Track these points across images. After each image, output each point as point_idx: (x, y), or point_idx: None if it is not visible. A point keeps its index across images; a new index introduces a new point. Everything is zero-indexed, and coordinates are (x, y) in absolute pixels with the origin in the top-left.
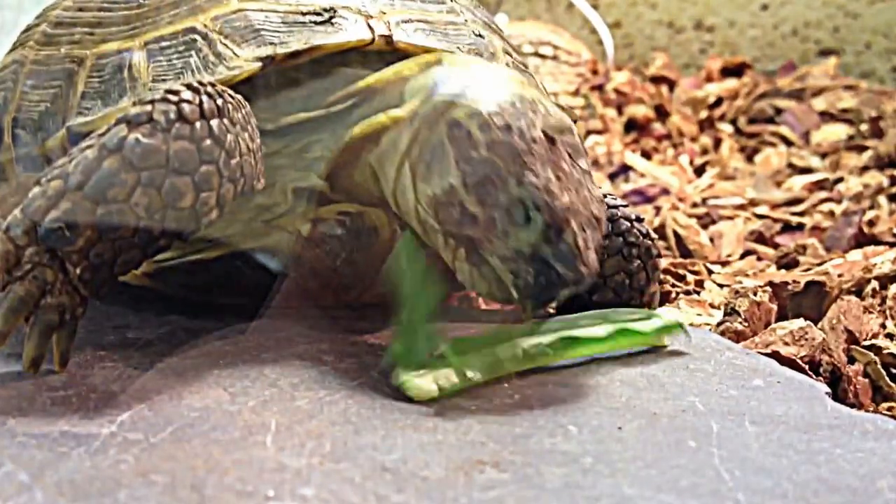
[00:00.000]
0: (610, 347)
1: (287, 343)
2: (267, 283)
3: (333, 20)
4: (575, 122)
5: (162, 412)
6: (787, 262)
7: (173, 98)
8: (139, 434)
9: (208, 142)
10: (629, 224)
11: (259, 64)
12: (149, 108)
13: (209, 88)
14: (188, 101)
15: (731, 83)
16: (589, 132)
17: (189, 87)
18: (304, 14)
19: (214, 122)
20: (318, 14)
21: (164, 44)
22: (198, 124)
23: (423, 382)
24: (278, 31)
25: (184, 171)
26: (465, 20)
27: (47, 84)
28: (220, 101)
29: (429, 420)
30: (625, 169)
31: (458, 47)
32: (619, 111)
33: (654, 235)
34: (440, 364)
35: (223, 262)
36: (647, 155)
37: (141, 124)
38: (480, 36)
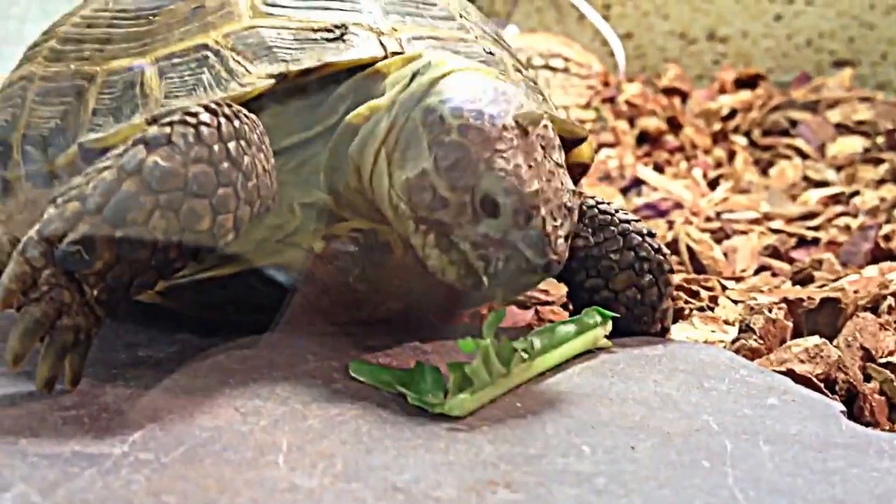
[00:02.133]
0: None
1: (298, 361)
2: (280, 300)
3: (345, 37)
4: (585, 138)
5: (173, 432)
6: (802, 278)
7: (192, 120)
8: (151, 454)
9: (226, 164)
10: (640, 238)
11: (272, 81)
12: (167, 129)
13: (226, 110)
14: (206, 124)
15: (745, 95)
16: (600, 145)
17: (207, 108)
18: (315, 31)
19: (232, 145)
20: (330, 31)
21: (175, 60)
22: (216, 147)
23: (459, 401)
24: (290, 49)
25: (202, 194)
26: (476, 37)
27: (57, 100)
28: (237, 123)
29: (441, 440)
30: (637, 183)
31: (469, 63)
32: (631, 124)
33: (666, 250)
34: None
35: (236, 280)
36: (659, 168)
37: (160, 146)
38: (491, 53)
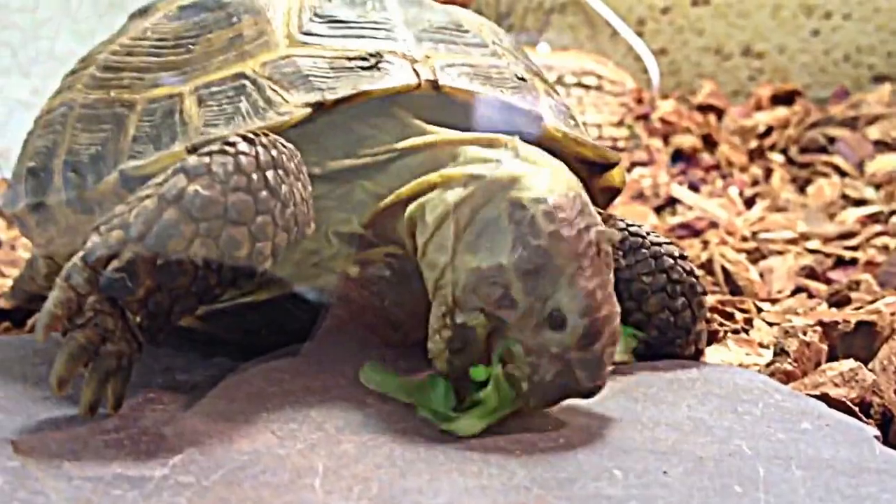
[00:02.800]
0: None
1: (332, 386)
2: (315, 324)
3: (380, 65)
4: (617, 163)
5: (213, 455)
6: (838, 300)
7: (230, 150)
8: (191, 477)
9: (264, 193)
10: (672, 261)
11: (308, 110)
12: (207, 159)
13: (264, 139)
14: (245, 154)
15: (782, 111)
16: (634, 164)
17: (245, 138)
18: (350, 59)
19: (270, 174)
20: (365, 59)
21: (213, 89)
22: (254, 175)
23: (468, 422)
24: (326, 77)
25: (241, 222)
26: (508, 63)
27: (97, 127)
28: (274, 152)
29: (473, 464)
30: (671, 202)
31: (502, 91)
32: (666, 141)
33: (698, 272)
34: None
35: (272, 305)
36: (694, 187)
37: (199, 175)
38: (523, 79)
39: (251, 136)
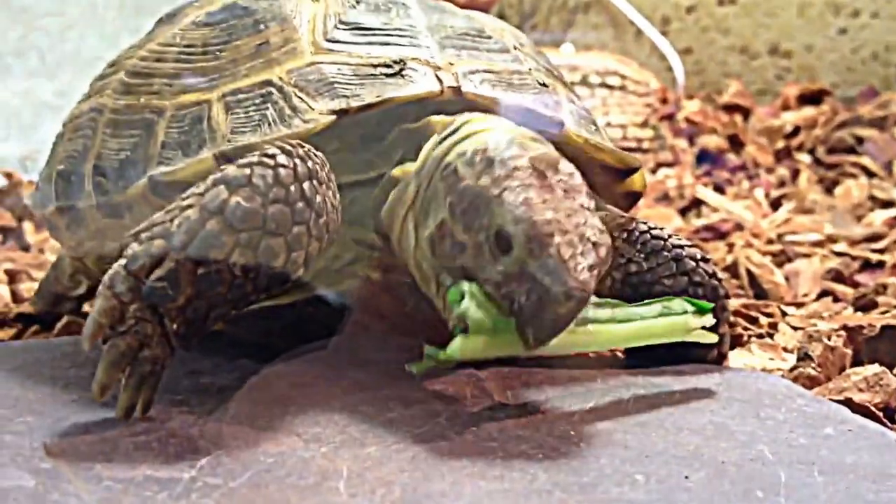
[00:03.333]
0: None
1: (355, 389)
2: (336, 327)
3: (404, 72)
4: (638, 168)
5: (239, 458)
6: (864, 304)
7: (270, 162)
8: (218, 479)
9: (301, 204)
10: (694, 263)
11: (333, 117)
12: (247, 171)
13: (300, 150)
14: (284, 166)
15: (809, 111)
16: (659, 164)
17: (283, 150)
18: (375, 66)
19: (306, 185)
20: (389, 66)
21: (241, 96)
22: (292, 187)
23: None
24: (351, 84)
25: (278, 233)
26: (530, 69)
27: (127, 133)
28: (310, 164)
29: (496, 468)
30: (696, 203)
31: (524, 96)
32: (691, 142)
33: (721, 275)
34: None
35: (296, 308)
36: (719, 188)
37: (241, 187)
38: (544, 84)
39: (289, 147)
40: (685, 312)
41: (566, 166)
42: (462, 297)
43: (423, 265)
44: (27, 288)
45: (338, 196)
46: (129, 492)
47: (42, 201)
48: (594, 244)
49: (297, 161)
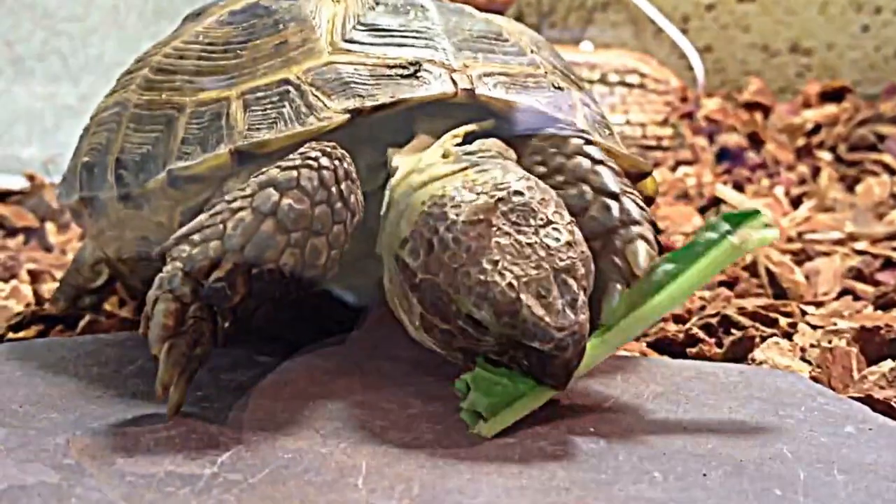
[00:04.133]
0: (700, 284)
1: (374, 386)
2: (349, 320)
3: (419, 74)
4: (650, 173)
5: (259, 453)
6: (885, 302)
7: (314, 164)
8: (239, 475)
9: (339, 205)
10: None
11: (347, 116)
12: (294, 174)
13: (337, 152)
14: (327, 168)
15: (830, 109)
16: (678, 163)
17: (324, 152)
18: (390, 67)
19: (344, 186)
20: (405, 68)
21: (259, 94)
22: (333, 189)
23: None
24: (366, 84)
25: (323, 232)
26: (545, 72)
27: (149, 128)
28: (346, 165)
29: (514, 465)
30: (716, 201)
31: (538, 100)
32: (711, 140)
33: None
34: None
35: (309, 300)
36: (739, 186)
37: (290, 189)
38: (559, 88)
39: (328, 149)
40: (726, 233)
41: (508, 189)
42: (468, 389)
43: (433, 347)
44: (49, 289)
45: (360, 194)
46: (151, 487)
47: (67, 191)
48: (565, 271)
49: (337, 163)
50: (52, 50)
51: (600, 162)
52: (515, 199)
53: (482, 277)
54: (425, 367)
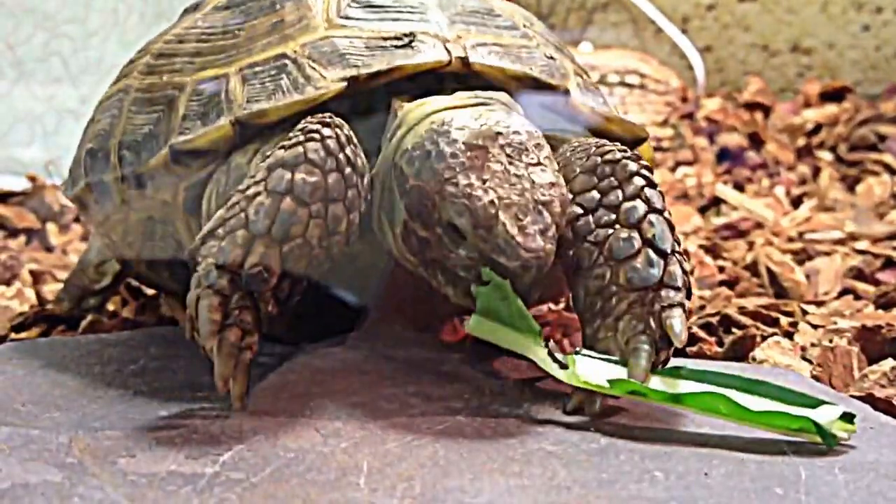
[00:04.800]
0: (755, 423)
1: (375, 385)
2: (349, 320)
3: (413, 44)
4: (645, 138)
5: (260, 453)
6: (885, 302)
7: (317, 136)
8: (241, 474)
9: (348, 169)
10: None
11: (344, 84)
12: (300, 149)
13: (336, 120)
14: (330, 137)
15: (831, 108)
16: (678, 163)
17: (322, 123)
18: (385, 39)
19: (349, 150)
20: (399, 39)
21: (257, 69)
22: (340, 155)
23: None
24: (362, 55)
25: (338, 199)
26: (538, 44)
27: (150, 108)
28: (346, 131)
29: (515, 464)
30: (716, 201)
31: (531, 68)
32: (711, 140)
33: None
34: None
35: (309, 300)
36: (740, 186)
37: (300, 164)
38: (552, 58)
39: (326, 119)
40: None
41: (509, 127)
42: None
43: (407, 258)
44: (50, 289)
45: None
46: (154, 486)
47: (73, 182)
48: (544, 204)
49: (338, 131)
50: (53, 52)
51: (659, 212)
52: (514, 136)
53: (468, 191)
54: (425, 367)
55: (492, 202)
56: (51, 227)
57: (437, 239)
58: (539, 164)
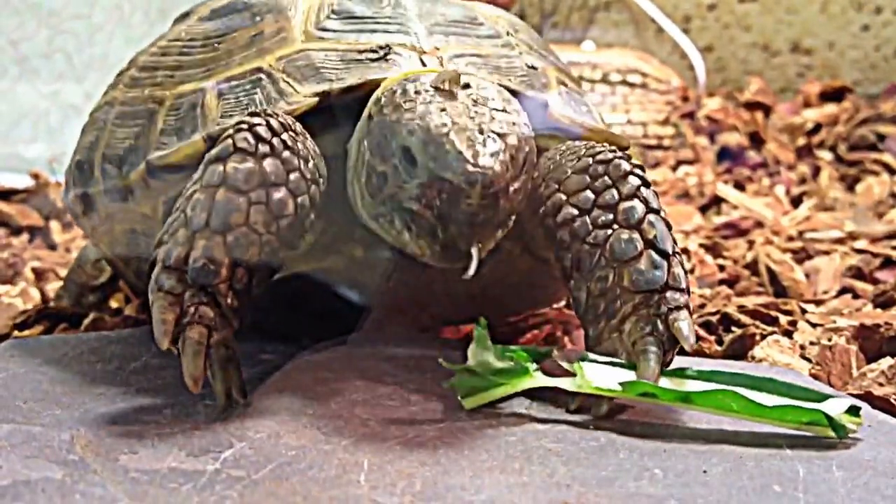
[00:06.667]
0: (768, 419)
1: (375, 383)
2: (349, 320)
3: (388, 56)
4: (627, 147)
5: (261, 450)
6: (884, 301)
7: (244, 126)
8: (241, 471)
9: (287, 153)
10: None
11: (316, 99)
12: (228, 141)
13: (268, 110)
14: (259, 125)
15: (831, 108)
16: (679, 162)
17: (253, 114)
18: (360, 52)
19: (285, 136)
20: (374, 52)
21: (233, 83)
22: (274, 140)
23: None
24: (336, 69)
25: (279, 183)
26: (520, 52)
27: (132, 122)
28: (280, 119)
29: (515, 461)
30: (717, 201)
31: (510, 79)
32: (712, 139)
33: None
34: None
35: (284, 285)
36: (740, 185)
37: (230, 155)
38: (533, 67)
39: (255, 112)
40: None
41: (479, 84)
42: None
43: (369, 212)
44: (54, 288)
45: (314, 146)
46: (155, 483)
47: (66, 190)
48: (500, 135)
49: (269, 119)
50: (57, 48)
51: (657, 212)
52: (482, 92)
53: (423, 113)
54: (425, 366)
55: (444, 124)
56: (54, 225)
57: (393, 170)
58: (504, 111)
